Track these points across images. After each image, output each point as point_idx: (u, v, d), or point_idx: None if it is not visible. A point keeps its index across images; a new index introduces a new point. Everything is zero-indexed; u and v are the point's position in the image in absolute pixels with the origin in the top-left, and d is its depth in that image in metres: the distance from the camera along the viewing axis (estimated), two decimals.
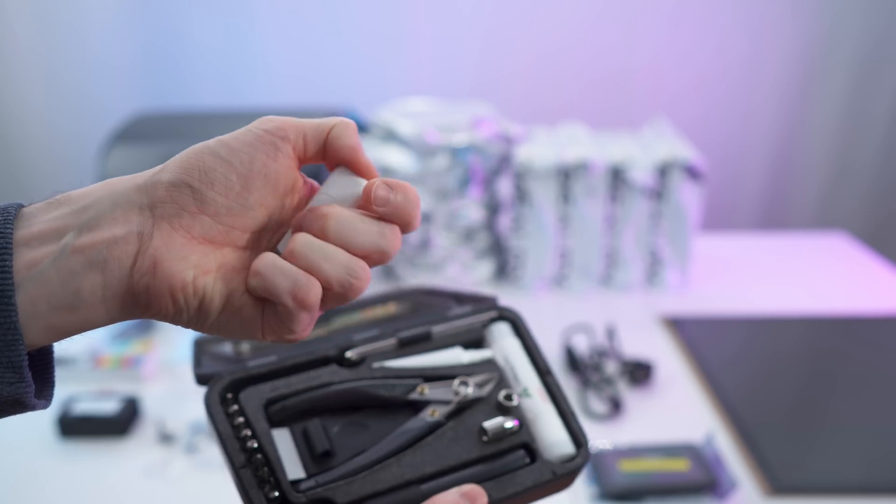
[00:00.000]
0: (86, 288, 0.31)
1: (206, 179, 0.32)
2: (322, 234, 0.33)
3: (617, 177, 1.11)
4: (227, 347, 0.46)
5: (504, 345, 0.46)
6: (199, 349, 0.46)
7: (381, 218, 0.34)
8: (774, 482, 0.73)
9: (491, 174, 1.18)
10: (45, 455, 0.79)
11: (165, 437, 0.81)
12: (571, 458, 0.42)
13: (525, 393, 0.43)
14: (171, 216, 0.32)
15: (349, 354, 0.44)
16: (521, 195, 1.13)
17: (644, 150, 1.15)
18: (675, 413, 0.86)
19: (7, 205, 0.32)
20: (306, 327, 0.34)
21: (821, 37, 1.47)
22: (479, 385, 0.44)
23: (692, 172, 1.11)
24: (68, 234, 0.31)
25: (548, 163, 1.10)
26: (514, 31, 1.48)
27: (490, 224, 1.21)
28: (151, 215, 0.32)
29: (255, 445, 0.40)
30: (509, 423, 0.42)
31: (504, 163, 1.18)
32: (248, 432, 0.40)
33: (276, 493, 0.38)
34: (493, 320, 0.47)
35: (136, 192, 0.32)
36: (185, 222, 0.32)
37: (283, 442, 0.41)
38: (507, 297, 1.16)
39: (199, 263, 0.32)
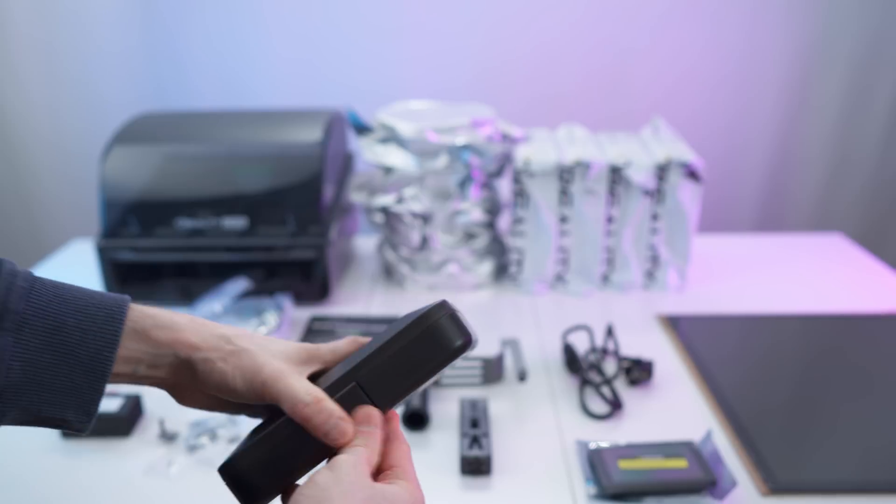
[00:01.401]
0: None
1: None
2: None
3: (616, 177, 1.12)
4: None
5: None
6: None
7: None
8: (772, 481, 0.73)
9: (491, 175, 1.19)
10: (47, 454, 0.80)
11: (167, 437, 0.81)
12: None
13: None
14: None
15: None
16: (521, 195, 1.13)
17: (643, 150, 1.16)
18: (674, 412, 0.86)
19: (120, 298, 0.45)
20: None
21: (817, 37, 1.47)
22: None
23: (691, 173, 1.11)
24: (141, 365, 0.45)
25: (548, 163, 1.11)
26: (513, 34, 1.49)
27: (490, 224, 1.22)
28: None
29: None
30: None
31: (504, 163, 1.19)
32: None
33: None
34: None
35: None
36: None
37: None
38: (507, 297, 1.17)
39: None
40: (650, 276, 1.18)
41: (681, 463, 0.73)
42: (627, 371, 0.91)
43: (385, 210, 1.18)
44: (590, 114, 1.50)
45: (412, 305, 0.53)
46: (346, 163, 1.29)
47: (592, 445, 0.77)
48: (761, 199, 1.62)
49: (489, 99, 1.39)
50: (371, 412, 0.44)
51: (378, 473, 0.43)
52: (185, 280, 1.12)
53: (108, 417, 0.81)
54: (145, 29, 1.48)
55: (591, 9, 1.46)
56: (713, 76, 1.51)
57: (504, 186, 1.24)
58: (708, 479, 0.71)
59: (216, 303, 1.03)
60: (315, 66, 1.50)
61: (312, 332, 1.04)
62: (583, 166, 1.10)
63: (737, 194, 1.61)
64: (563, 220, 1.14)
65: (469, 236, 1.19)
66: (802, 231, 1.61)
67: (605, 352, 0.96)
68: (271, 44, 1.49)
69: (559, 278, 1.19)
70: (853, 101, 1.52)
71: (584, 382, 0.89)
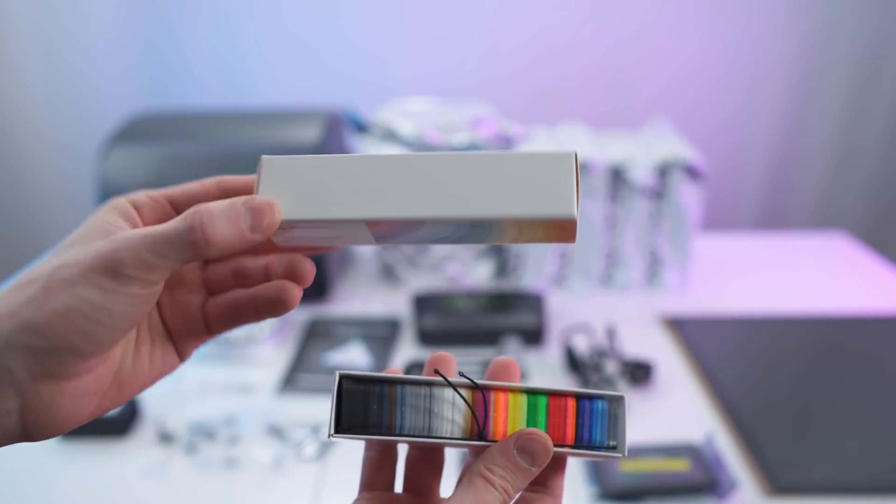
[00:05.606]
0: None
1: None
2: None
3: (617, 177, 1.11)
4: None
5: None
6: None
7: None
8: (775, 482, 0.73)
9: None
10: (44, 456, 0.79)
11: (165, 438, 0.81)
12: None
13: None
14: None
15: None
16: None
17: (644, 149, 1.15)
18: (676, 413, 0.86)
19: None
20: None
21: (820, 35, 1.47)
22: None
23: (692, 172, 1.10)
24: None
25: None
26: (513, 26, 1.48)
27: None
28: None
29: None
30: None
31: None
32: None
33: None
34: None
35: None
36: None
37: None
38: None
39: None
40: (651, 275, 1.18)
41: (682, 464, 0.72)
42: (628, 372, 0.90)
43: None
44: (590, 106, 1.49)
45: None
46: None
47: None
48: (764, 195, 1.61)
49: (488, 92, 1.38)
50: None
51: None
52: None
53: (104, 418, 0.81)
54: (143, 23, 1.48)
55: (593, 11, 1.46)
56: (715, 69, 1.50)
57: None
58: (709, 480, 0.70)
59: None
60: (315, 65, 1.50)
61: (313, 332, 1.03)
62: (583, 166, 1.10)
63: (739, 189, 1.60)
64: None
65: None
66: (806, 227, 1.60)
67: (605, 352, 0.96)
68: (270, 38, 1.48)
69: (559, 278, 1.18)
70: (858, 93, 1.50)
71: (585, 383, 0.88)
